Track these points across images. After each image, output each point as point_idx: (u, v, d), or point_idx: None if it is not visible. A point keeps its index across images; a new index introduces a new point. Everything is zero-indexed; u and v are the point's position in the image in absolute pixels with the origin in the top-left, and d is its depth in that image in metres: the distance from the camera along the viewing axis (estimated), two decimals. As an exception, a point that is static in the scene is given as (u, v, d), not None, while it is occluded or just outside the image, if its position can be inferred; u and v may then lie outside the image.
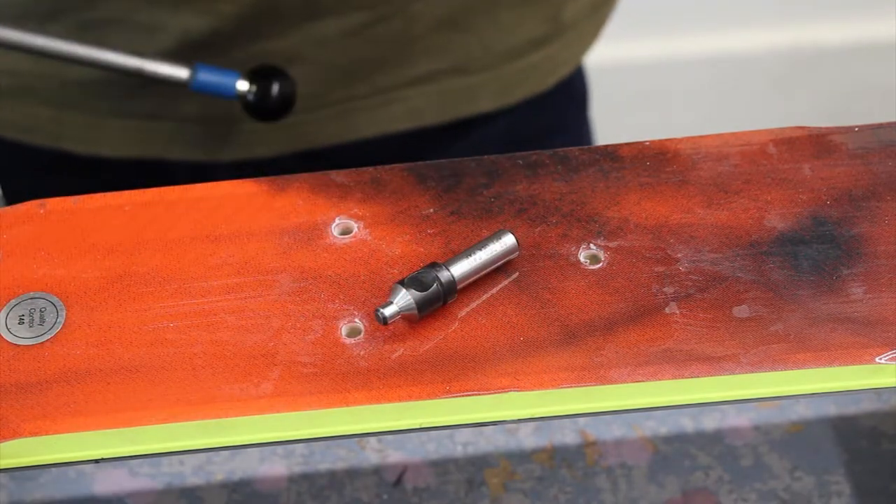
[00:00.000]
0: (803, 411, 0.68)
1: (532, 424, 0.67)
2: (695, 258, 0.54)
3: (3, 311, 0.52)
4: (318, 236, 0.55)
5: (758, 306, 0.52)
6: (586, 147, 0.57)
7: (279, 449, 0.67)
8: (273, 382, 0.50)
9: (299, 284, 0.53)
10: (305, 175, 0.56)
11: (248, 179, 0.57)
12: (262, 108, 0.66)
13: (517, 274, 0.53)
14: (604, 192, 0.56)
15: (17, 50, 0.64)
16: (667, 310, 0.52)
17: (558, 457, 0.66)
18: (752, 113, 1.66)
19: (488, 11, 0.76)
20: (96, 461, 0.50)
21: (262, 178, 0.56)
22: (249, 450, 0.66)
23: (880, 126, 0.58)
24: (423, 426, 0.50)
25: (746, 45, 1.62)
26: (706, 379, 0.50)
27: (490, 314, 0.52)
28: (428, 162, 0.57)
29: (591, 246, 0.54)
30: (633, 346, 0.51)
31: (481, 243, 0.52)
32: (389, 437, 0.67)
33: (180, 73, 0.66)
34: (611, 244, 0.54)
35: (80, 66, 0.66)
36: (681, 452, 0.67)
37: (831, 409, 0.68)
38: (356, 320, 0.52)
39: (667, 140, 0.58)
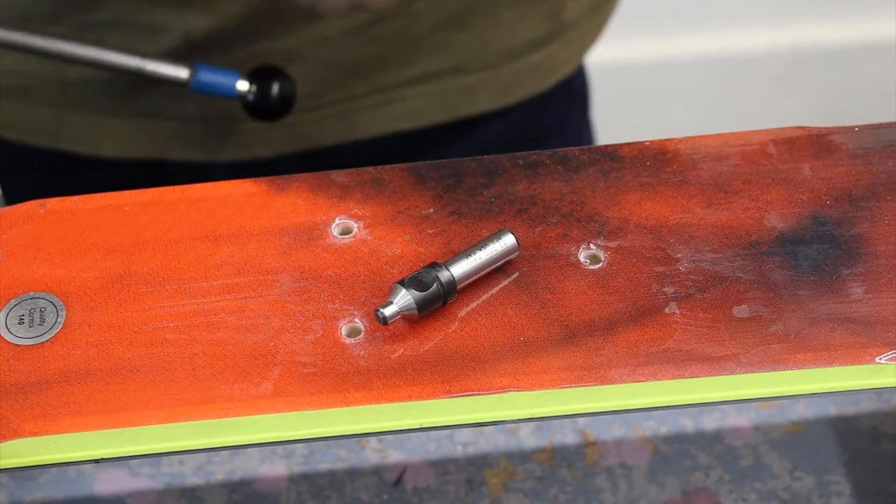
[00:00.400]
0: (803, 411, 0.68)
1: (532, 424, 0.67)
2: (695, 258, 0.54)
3: (3, 311, 0.52)
4: (318, 236, 0.55)
5: (758, 306, 0.52)
6: (586, 147, 0.57)
7: (279, 449, 0.67)
8: (273, 382, 0.50)
9: (299, 284, 0.53)
10: (305, 175, 0.56)
11: (248, 179, 0.57)
12: (262, 108, 0.66)
13: (517, 274, 0.53)
14: (604, 192, 0.56)
15: (18, 50, 0.64)
16: (667, 310, 0.52)
17: (558, 457, 0.66)
18: (752, 113, 1.66)
19: (489, 11, 0.76)
20: (96, 461, 0.50)
21: (262, 178, 0.56)
22: (249, 450, 0.66)
23: (880, 126, 0.58)
24: (423, 426, 0.50)
25: (746, 45, 1.62)
26: (706, 379, 0.50)
27: (490, 314, 0.52)
28: (428, 162, 0.57)
29: (591, 246, 0.54)
30: (633, 346, 0.51)
31: (481, 243, 0.52)
32: (389, 437, 0.67)
33: (180, 73, 0.66)
34: (611, 244, 0.54)
35: (80, 66, 0.66)
36: (681, 452, 0.67)
37: (831, 409, 0.68)
38: (356, 320, 0.52)
39: (667, 140, 0.58)
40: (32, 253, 0.54)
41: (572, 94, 0.86)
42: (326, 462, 0.66)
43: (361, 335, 0.51)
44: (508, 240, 0.53)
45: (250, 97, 0.66)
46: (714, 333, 0.51)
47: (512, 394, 0.50)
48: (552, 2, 0.78)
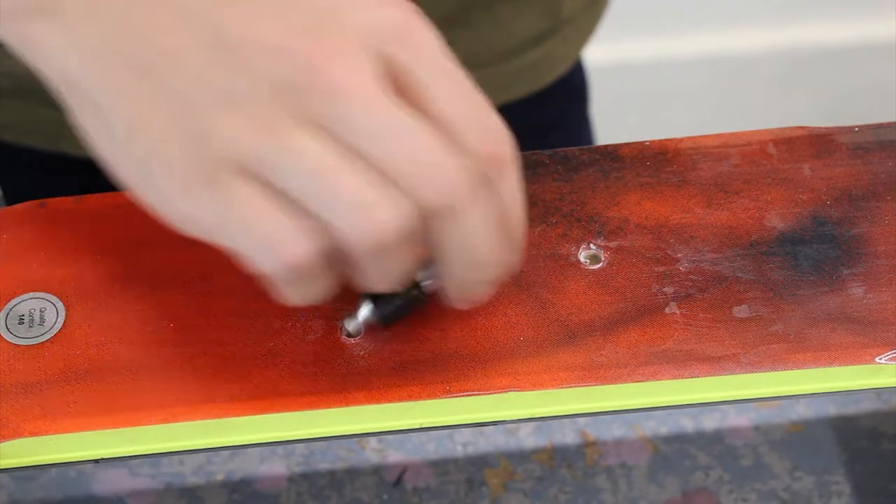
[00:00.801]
0: (803, 411, 0.68)
1: (532, 424, 0.67)
2: (695, 258, 0.54)
3: (3, 311, 0.52)
4: (318, 236, 0.55)
5: (758, 306, 0.52)
6: (586, 147, 0.57)
7: (279, 449, 0.67)
8: (273, 382, 0.50)
9: (299, 284, 0.53)
10: (305, 175, 0.56)
11: (248, 179, 0.56)
12: None
13: (517, 274, 0.53)
14: (604, 192, 0.56)
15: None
16: (667, 310, 0.52)
17: (558, 457, 0.66)
18: (752, 113, 1.66)
19: (487, 8, 0.76)
20: (96, 461, 0.50)
21: (262, 178, 0.56)
22: (249, 450, 0.66)
23: (880, 126, 0.58)
24: (423, 426, 0.50)
25: (746, 45, 1.62)
26: (706, 379, 0.50)
27: (490, 314, 0.52)
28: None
29: (591, 246, 0.54)
30: (633, 346, 0.51)
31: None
32: (389, 437, 0.67)
33: None
34: (611, 244, 0.54)
35: None
36: (681, 452, 0.67)
37: (831, 409, 0.68)
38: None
39: (667, 140, 0.58)
40: (32, 253, 0.54)
41: (571, 90, 0.86)
42: (326, 462, 0.66)
43: (361, 335, 0.51)
44: None
45: None
46: (714, 333, 0.51)
47: (512, 394, 0.50)
48: None
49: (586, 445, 0.67)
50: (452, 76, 0.45)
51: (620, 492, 0.65)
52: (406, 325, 0.51)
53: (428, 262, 0.48)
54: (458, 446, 0.67)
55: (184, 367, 0.51)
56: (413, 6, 0.45)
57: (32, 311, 0.52)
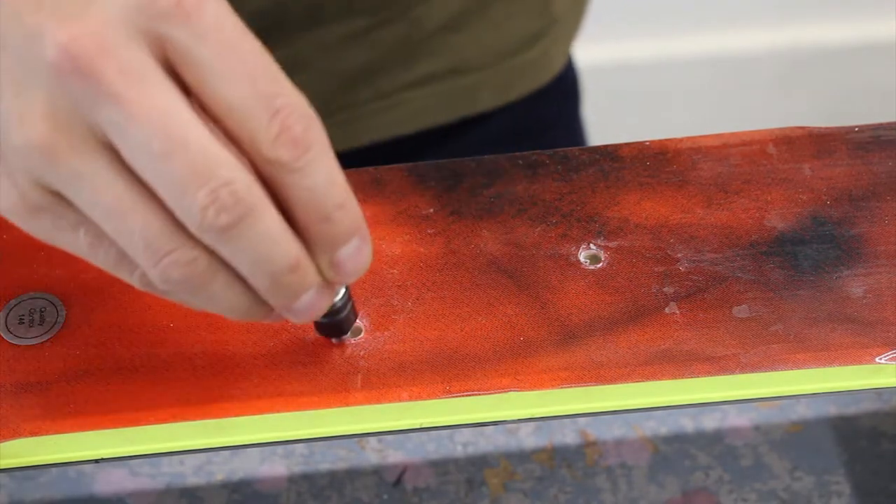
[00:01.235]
0: (803, 411, 0.68)
1: (532, 424, 0.67)
2: (695, 258, 0.54)
3: (3, 311, 0.52)
4: (318, 236, 0.55)
5: (758, 306, 0.52)
6: (586, 147, 0.57)
7: (279, 449, 0.67)
8: (273, 382, 0.50)
9: (299, 284, 0.53)
10: (305, 175, 0.56)
11: (248, 179, 0.56)
12: None
13: (517, 274, 0.53)
14: (604, 192, 0.56)
15: None
16: (667, 310, 0.52)
17: (558, 457, 0.66)
18: (752, 113, 1.66)
19: (480, 11, 0.76)
20: (96, 461, 0.50)
21: (262, 178, 0.56)
22: (249, 450, 0.66)
23: (880, 126, 0.58)
24: (423, 426, 0.50)
25: (746, 45, 1.62)
26: (706, 379, 0.50)
27: (490, 314, 0.52)
28: (428, 162, 0.57)
29: (591, 246, 0.54)
30: (633, 346, 0.51)
31: None
32: (389, 437, 0.67)
33: None
34: (611, 244, 0.54)
35: None
36: (681, 452, 0.67)
37: (831, 409, 0.68)
38: (356, 320, 0.52)
39: (667, 140, 0.58)
40: (32, 253, 0.54)
41: (566, 88, 0.87)
42: (326, 462, 0.66)
43: (361, 335, 0.51)
44: None
45: None
46: (714, 333, 0.51)
47: (512, 394, 0.50)
48: None
49: (586, 445, 0.67)
50: (238, 52, 0.41)
51: (620, 492, 0.65)
52: (406, 325, 0.51)
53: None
54: (458, 446, 0.67)
55: (184, 367, 0.51)
56: None
57: (32, 311, 0.52)
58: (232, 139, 0.42)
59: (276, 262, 0.43)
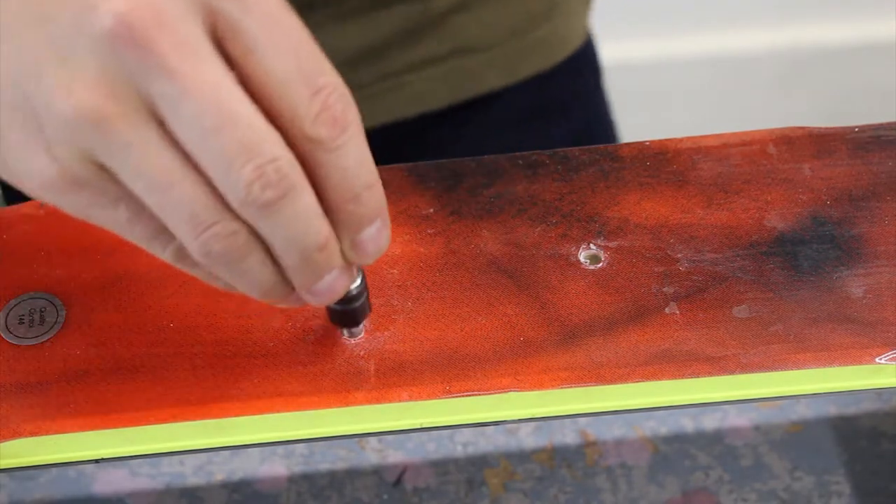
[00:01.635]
0: (803, 411, 0.68)
1: (532, 424, 0.67)
2: (695, 258, 0.54)
3: (3, 311, 0.52)
4: (318, 236, 0.55)
5: (758, 306, 0.52)
6: (586, 147, 0.57)
7: (279, 449, 0.67)
8: (273, 382, 0.50)
9: (299, 284, 0.53)
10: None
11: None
12: None
13: (517, 274, 0.53)
14: (604, 192, 0.56)
15: None
16: (667, 310, 0.52)
17: (558, 457, 0.66)
18: (752, 113, 1.66)
19: None
20: (96, 461, 0.50)
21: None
22: (249, 450, 0.66)
23: (880, 126, 0.58)
24: (423, 426, 0.50)
25: (746, 45, 1.62)
26: (706, 379, 0.50)
27: (490, 314, 0.52)
28: (428, 162, 0.57)
29: (591, 246, 0.54)
30: (633, 346, 0.51)
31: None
32: (389, 437, 0.67)
33: None
34: (611, 244, 0.54)
35: None
36: (681, 452, 0.67)
37: (831, 409, 0.68)
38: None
39: (667, 140, 0.58)
40: (32, 253, 0.54)
41: (581, 66, 0.86)
42: (326, 462, 0.66)
43: (361, 335, 0.51)
44: None
45: None
46: (714, 333, 0.51)
47: (512, 394, 0.50)
48: None
49: (586, 445, 0.67)
50: (283, 27, 0.42)
51: (620, 492, 0.65)
52: (406, 325, 0.51)
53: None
54: (458, 446, 0.67)
55: (184, 367, 0.51)
56: None
57: (32, 311, 0.52)
58: (271, 115, 0.42)
59: (309, 241, 0.43)
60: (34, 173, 0.42)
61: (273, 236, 0.43)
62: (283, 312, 0.52)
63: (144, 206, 0.43)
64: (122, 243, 0.54)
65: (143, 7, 0.40)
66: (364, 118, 0.80)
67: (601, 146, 0.57)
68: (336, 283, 0.45)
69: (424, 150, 0.79)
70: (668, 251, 0.54)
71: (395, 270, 0.53)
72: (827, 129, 0.58)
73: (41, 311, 0.52)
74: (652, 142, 0.58)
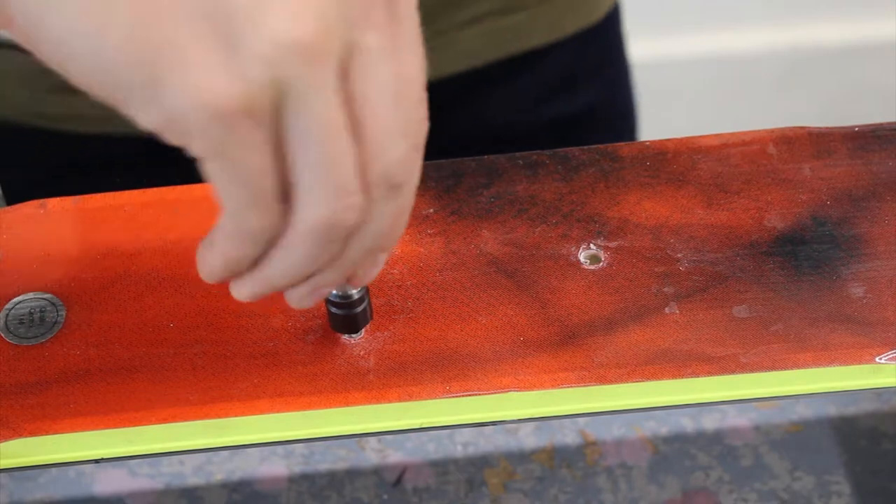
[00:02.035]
0: (803, 411, 0.68)
1: (532, 424, 0.67)
2: (695, 258, 0.54)
3: (3, 311, 0.52)
4: (318, 236, 0.55)
5: (758, 306, 0.52)
6: (586, 147, 0.57)
7: (279, 449, 0.67)
8: (273, 382, 0.50)
9: (299, 284, 0.53)
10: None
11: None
12: None
13: (517, 274, 0.53)
14: (604, 192, 0.56)
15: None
16: (667, 310, 0.52)
17: (558, 457, 0.66)
18: (752, 113, 1.66)
19: None
20: (96, 461, 0.50)
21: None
22: (249, 450, 0.66)
23: (880, 126, 0.58)
24: (423, 426, 0.50)
25: (746, 45, 1.62)
26: (706, 379, 0.50)
27: (490, 314, 0.52)
28: (427, 162, 0.57)
29: (591, 246, 0.54)
30: (633, 346, 0.51)
31: None
32: (389, 437, 0.67)
33: None
34: (611, 244, 0.54)
35: None
36: (681, 452, 0.67)
37: (831, 409, 0.68)
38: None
39: (667, 140, 0.58)
40: (32, 253, 0.54)
41: (616, 29, 0.86)
42: (326, 462, 0.66)
43: (361, 335, 0.51)
44: None
45: None
46: (714, 333, 0.51)
47: (512, 394, 0.50)
48: None
49: (586, 445, 0.67)
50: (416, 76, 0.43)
51: (620, 492, 0.65)
52: (406, 325, 0.51)
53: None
54: (458, 446, 0.67)
55: (184, 367, 0.51)
56: None
57: (32, 311, 0.52)
58: (364, 130, 0.42)
59: (400, 229, 0.45)
60: (205, 90, 0.39)
61: (378, 219, 0.43)
62: (284, 312, 0.52)
63: (282, 160, 0.41)
64: (121, 243, 0.54)
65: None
66: None
67: (601, 146, 0.57)
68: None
69: (469, 106, 0.79)
70: (668, 251, 0.54)
71: (395, 270, 0.53)
72: (827, 129, 0.58)
73: (41, 311, 0.52)
74: (652, 142, 0.58)
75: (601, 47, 0.85)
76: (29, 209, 0.55)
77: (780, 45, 1.62)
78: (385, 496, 0.65)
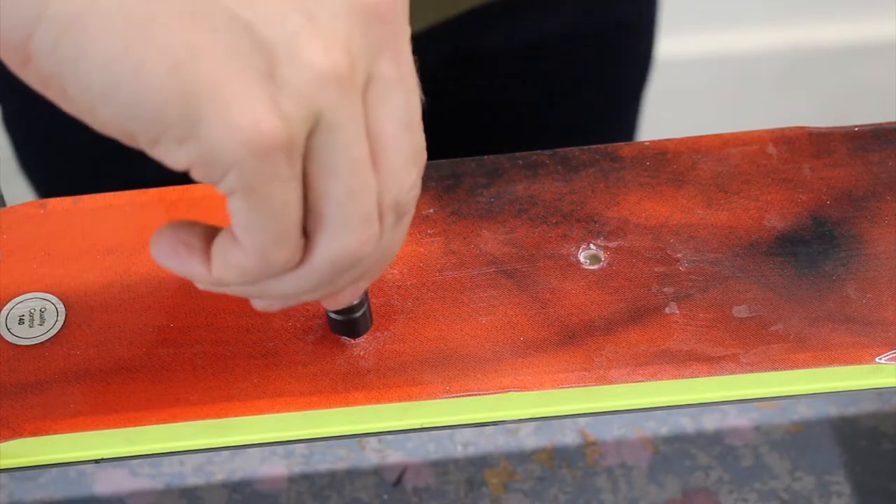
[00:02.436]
0: (803, 411, 0.68)
1: (532, 424, 0.67)
2: (695, 258, 0.54)
3: (3, 311, 0.52)
4: (318, 236, 0.55)
5: (758, 306, 0.52)
6: (586, 147, 0.57)
7: (279, 449, 0.67)
8: (273, 382, 0.50)
9: (299, 284, 0.53)
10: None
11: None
12: None
13: (517, 274, 0.53)
14: (604, 192, 0.56)
15: None
16: (667, 310, 0.52)
17: (558, 457, 0.66)
18: (752, 113, 1.66)
19: None
20: (96, 461, 0.50)
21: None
22: (249, 450, 0.66)
23: (880, 126, 0.58)
24: (423, 426, 0.50)
25: (746, 45, 1.62)
26: (706, 379, 0.50)
27: (490, 314, 0.52)
28: (427, 162, 0.57)
29: (591, 246, 0.54)
30: (633, 346, 0.51)
31: None
32: (389, 437, 0.67)
33: None
34: (611, 244, 0.54)
35: None
36: (681, 452, 0.67)
37: (831, 409, 0.68)
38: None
39: (667, 140, 0.58)
40: (32, 253, 0.54)
41: None
42: (326, 462, 0.66)
43: (361, 335, 0.51)
44: None
45: None
46: (714, 333, 0.51)
47: (512, 394, 0.50)
48: None
49: (586, 445, 0.67)
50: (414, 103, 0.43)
51: (620, 492, 0.65)
52: (406, 325, 0.51)
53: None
54: (458, 446, 0.67)
55: (184, 367, 0.51)
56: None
57: (32, 311, 0.52)
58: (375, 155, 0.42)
59: (390, 260, 0.45)
60: (248, 125, 0.38)
61: (380, 248, 0.43)
62: (284, 312, 0.52)
63: (305, 194, 0.41)
64: (122, 243, 0.54)
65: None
66: (421, 17, 0.77)
67: (601, 146, 0.57)
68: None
69: (479, 47, 0.78)
70: (668, 251, 0.54)
71: (395, 270, 0.53)
72: (827, 129, 0.58)
73: (41, 311, 0.52)
74: (652, 142, 0.58)
75: (623, 4, 0.84)
76: (29, 209, 0.55)
77: (780, 45, 1.62)
78: (385, 496, 0.65)
